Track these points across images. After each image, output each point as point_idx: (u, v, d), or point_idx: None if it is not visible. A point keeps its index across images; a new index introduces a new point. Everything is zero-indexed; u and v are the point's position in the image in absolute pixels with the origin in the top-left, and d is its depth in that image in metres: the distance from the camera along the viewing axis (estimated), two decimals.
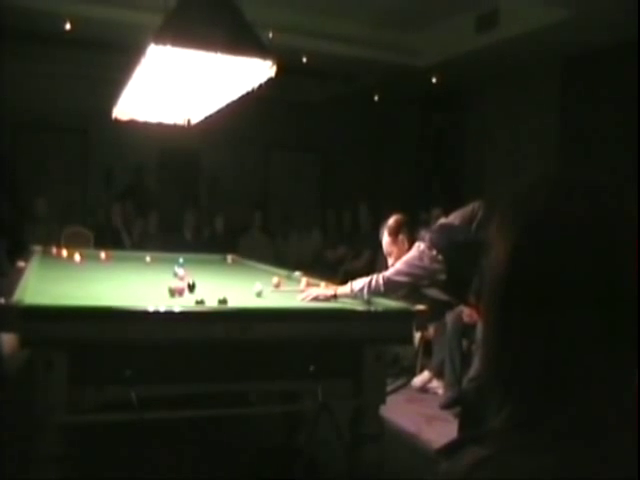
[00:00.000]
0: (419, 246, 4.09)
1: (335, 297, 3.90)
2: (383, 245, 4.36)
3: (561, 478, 0.81)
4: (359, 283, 3.94)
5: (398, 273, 4.00)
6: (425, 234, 4.14)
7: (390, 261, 4.30)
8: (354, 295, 3.89)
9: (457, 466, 0.88)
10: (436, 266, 4.06)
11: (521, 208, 0.96)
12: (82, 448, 3.11)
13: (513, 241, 0.92)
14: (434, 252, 4.03)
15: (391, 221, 4.33)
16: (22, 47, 8.89)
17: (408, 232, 4.31)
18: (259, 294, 3.86)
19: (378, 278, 3.93)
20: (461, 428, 4.15)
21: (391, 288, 3.98)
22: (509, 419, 0.91)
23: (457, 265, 4.04)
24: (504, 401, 0.93)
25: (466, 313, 4.72)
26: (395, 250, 4.26)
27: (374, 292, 3.88)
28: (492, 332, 0.95)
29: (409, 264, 4.03)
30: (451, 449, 0.93)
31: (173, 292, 3.63)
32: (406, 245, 4.25)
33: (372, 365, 3.38)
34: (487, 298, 0.95)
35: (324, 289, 4.05)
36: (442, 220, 4.38)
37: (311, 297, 3.88)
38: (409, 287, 4.19)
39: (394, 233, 4.29)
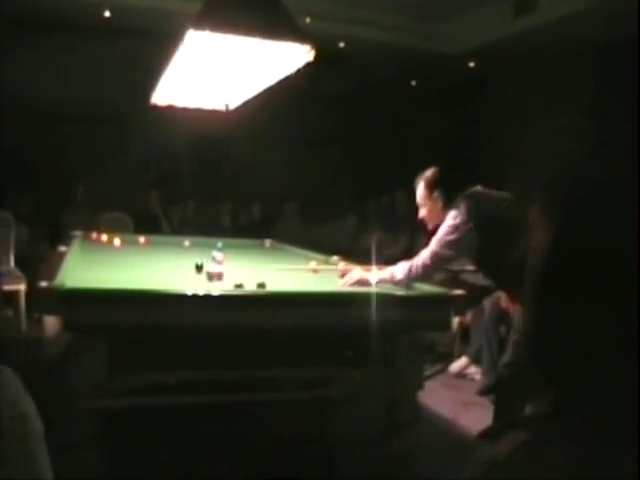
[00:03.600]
0: (455, 217, 3.95)
1: (376, 282, 3.87)
2: (417, 196, 4.19)
3: (602, 466, 0.81)
4: (399, 270, 3.88)
5: (435, 257, 3.88)
6: (461, 201, 3.97)
7: (422, 212, 4.16)
8: (394, 283, 3.85)
9: (498, 451, 0.88)
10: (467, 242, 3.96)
11: (563, 195, 0.95)
12: (118, 432, 3.14)
13: (555, 227, 0.91)
14: (469, 226, 3.91)
15: (429, 173, 4.14)
16: (58, 37, 8.96)
17: (444, 193, 4.10)
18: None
19: (418, 265, 3.85)
20: (496, 413, 4.12)
21: (430, 273, 3.93)
22: (551, 404, 0.91)
23: (492, 243, 3.91)
24: (546, 386, 0.93)
25: (503, 299, 4.61)
26: (429, 205, 4.07)
27: (414, 280, 3.83)
28: (534, 317, 0.94)
29: (444, 243, 3.90)
30: (492, 434, 0.93)
31: (211, 276, 3.65)
32: (440, 204, 4.07)
33: (409, 351, 3.38)
34: (530, 283, 0.95)
35: (364, 272, 4.01)
36: (479, 188, 4.19)
37: (353, 281, 3.87)
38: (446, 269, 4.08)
39: (430, 187, 4.10)
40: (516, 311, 4.11)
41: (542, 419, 0.91)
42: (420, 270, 3.82)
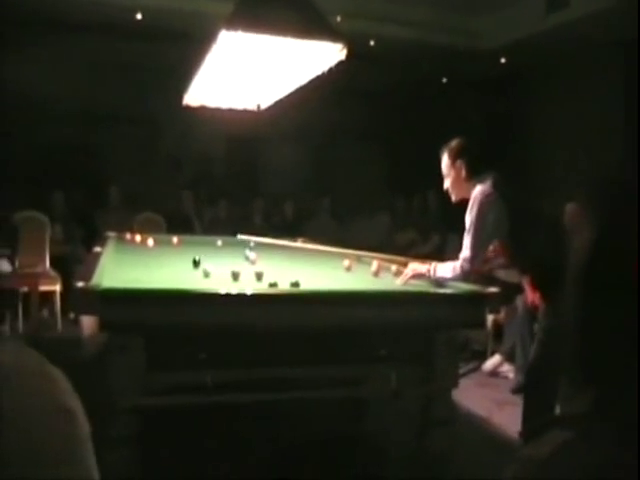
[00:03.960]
0: (482, 192, 3.91)
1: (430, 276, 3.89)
2: (442, 166, 4.19)
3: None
4: (443, 269, 3.89)
5: (475, 253, 3.85)
6: (487, 176, 3.97)
7: (446, 183, 4.15)
8: (445, 279, 3.85)
9: (539, 449, 0.88)
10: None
11: (608, 195, 0.94)
12: (154, 431, 3.16)
13: (601, 226, 0.91)
14: (495, 197, 3.87)
15: (453, 143, 4.14)
16: (91, 39, 9.05)
17: (468, 161, 4.07)
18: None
19: (462, 267, 3.84)
20: (524, 413, 4.07)
21: (478, 264, 3.91)
22: (591, 404, 0.90)
23: (519, 227, 3.89)
24: (586, 385, 0.92)
25: (528, 297, 4.54)
26: (452, 174, 4.07)
27: (466, 274, 3.83)
28: (578, 316, 0.94)
29: (477, 227, 3.84)
30: (534, 432, 0.93)
31: (236, 276, 3.64)
32: (463, 173, 4.04)
33: (444, 349, 3.36)
34: (573, 282, 0.94)
35: (420, 265, 3.99)
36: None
37: (409, 277, 3.89)
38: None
39: (453, 156, 4.08)
40: (540, 306, 4.08)
41: (582, 419, 0.90)
42: (459, 271, 3.82)
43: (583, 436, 0.86)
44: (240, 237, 6.02)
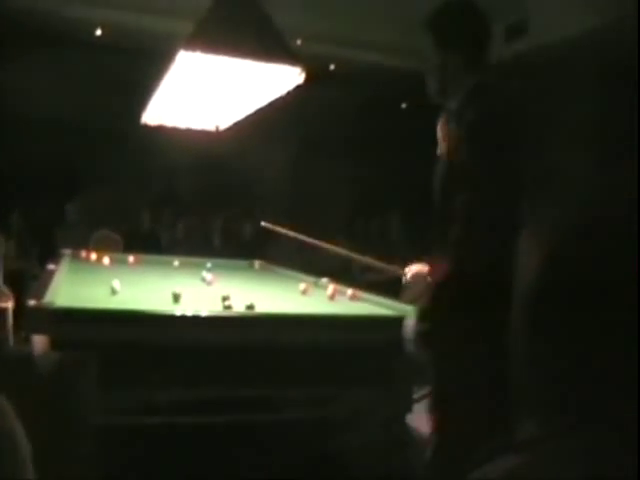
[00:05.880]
0: None
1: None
2: (438, 131, 3.90)
3: None
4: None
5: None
6: None
7: (440, 148, 3.83)
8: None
9: (490, 474, 0.88)
10: None
11: (558, 218, 0.95)
12: (111, 449, 3.12)
13: (548, 252, 0.91)
14: None
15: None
16: (53, 53, 8.98)
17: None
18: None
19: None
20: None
21: None
22: (543, 427, 0.90)
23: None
24: (537, 408, 0.92)
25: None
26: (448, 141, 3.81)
27: None
28: (526, 341, 0.94)
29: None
30: (485, 457, 0.93)
31: (177, 297, 3.56)
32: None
33: (401, 372, 3.37)
34: (519, 305, 0.94)
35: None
36: None
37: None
38: None
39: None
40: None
41: (536, 442, 0.90)
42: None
43: (534, 461, 0.86)
44: (264, 224, 5.61)
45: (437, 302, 2.61)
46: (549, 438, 0.88)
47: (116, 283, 3.87)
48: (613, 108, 8.08)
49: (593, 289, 0.86)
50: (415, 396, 4.09)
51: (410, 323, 2.68)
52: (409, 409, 3.52)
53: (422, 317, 2.63)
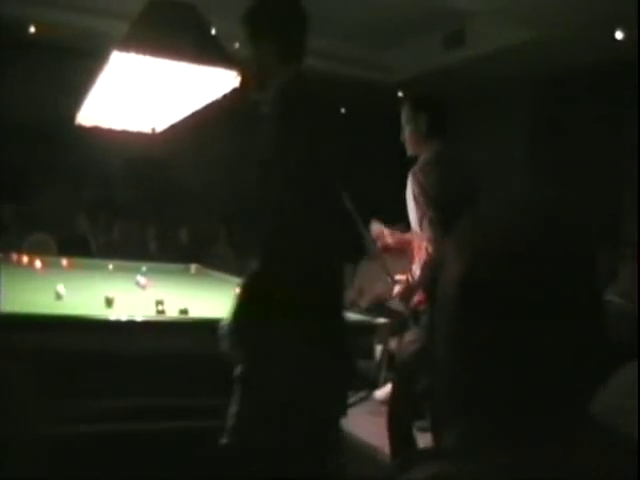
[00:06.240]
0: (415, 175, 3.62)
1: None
2: (402, 116, 3.85)
3: None
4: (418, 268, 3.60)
5: (435, 233, 3.50)
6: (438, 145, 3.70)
7: (404, 134, 3.83)
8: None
9: (415, 476, 0.87)
10: None
11: (480, 226, 0.95)
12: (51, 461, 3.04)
13: (469, 257, 0.90)
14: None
15: (419, 94, 3.91)
16: None
17: (429, 116, 3.76)
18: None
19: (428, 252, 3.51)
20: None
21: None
22: (466, 435, 0.90)
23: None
24: (460, 417, 0.92)
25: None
26: (412, 126, 3.79)
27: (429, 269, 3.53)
28: (448, 347, 0.93)
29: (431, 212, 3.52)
30: (408, 463, 0.92)
31: (110, 302, 3.51)
32: (424, 128, 3.74)
33: None
34: (441, 313, 0.94)
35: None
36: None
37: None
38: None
39: (415, 107, 3.79)
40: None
41: (458, 450, 0.90)
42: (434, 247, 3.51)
43: (453, 470, 0.86)
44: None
45: (247, 301, 2.64)
46: (471, 446, 0.88)
47: (61, 288, 3.77)
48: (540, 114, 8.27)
49: (509, 298, 0.86)
50: (352, 400, 4.08)
51: (224, 323, 2.68)
52: (343, 414, 3.50)
53: (234, 317, 2.65)
